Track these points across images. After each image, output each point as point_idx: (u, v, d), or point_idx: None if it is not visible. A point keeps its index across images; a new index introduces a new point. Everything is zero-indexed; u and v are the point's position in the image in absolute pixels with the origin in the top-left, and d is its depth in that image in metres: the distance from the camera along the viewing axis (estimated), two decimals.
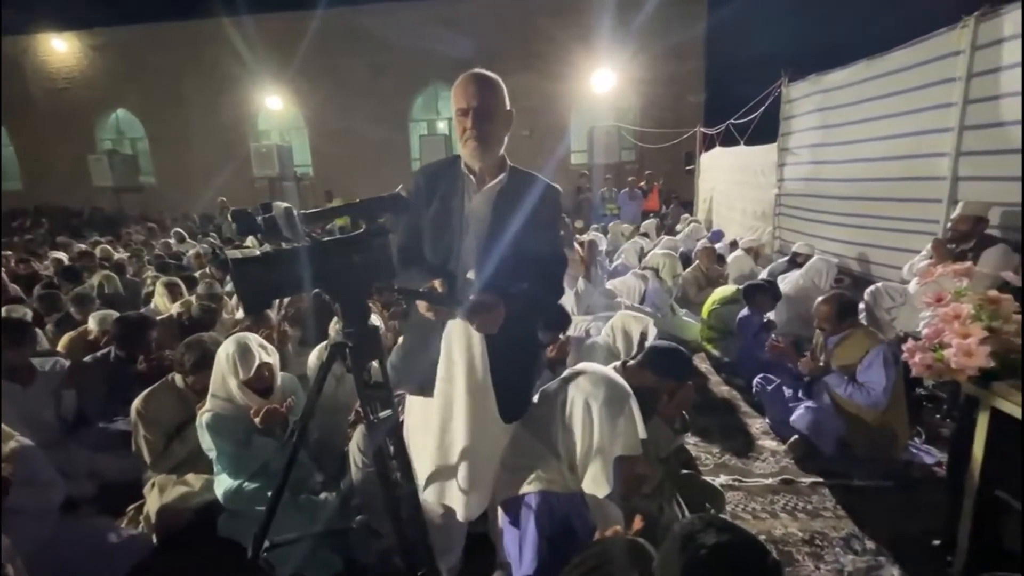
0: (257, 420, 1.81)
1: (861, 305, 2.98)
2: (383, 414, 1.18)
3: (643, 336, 2.72)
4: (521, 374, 1.44)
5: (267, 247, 1.13)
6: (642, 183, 9.88)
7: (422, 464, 1.43)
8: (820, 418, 2.45)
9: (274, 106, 13.13)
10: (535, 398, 1.52)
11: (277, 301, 3.33)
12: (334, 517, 1.77)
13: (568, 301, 3.27)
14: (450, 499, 1.42)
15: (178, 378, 2.06)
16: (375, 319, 2.49)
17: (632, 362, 1.94)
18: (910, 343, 1.63)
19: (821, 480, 2.30)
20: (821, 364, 2.57)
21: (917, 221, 3.63)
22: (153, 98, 13.50)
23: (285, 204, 0.99)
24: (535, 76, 11.64)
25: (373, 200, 1.09)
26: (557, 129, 12.09)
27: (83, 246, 7.03)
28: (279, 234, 1.01)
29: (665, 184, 10.37)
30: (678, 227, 7.91)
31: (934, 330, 1.60)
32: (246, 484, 1.82)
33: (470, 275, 1.34)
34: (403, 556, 1.23)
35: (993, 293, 1.59)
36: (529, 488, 1.31)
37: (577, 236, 5.38)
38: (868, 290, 3.19)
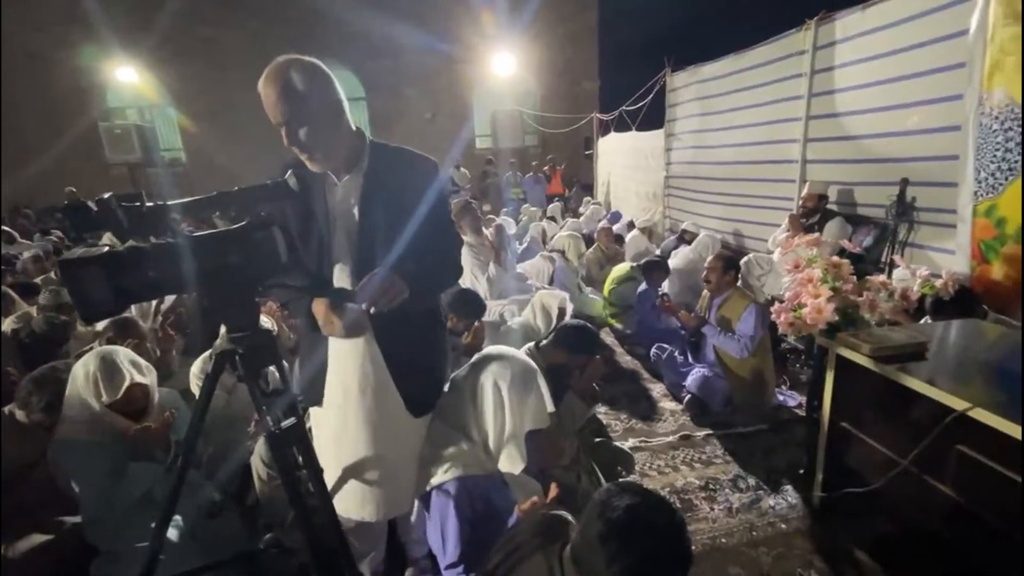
0: (131, 444, 1.57)
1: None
2: (287, 422, 1.07)
3: (561, 311, 2.81)
4: (425, 362, 1.37)
5: (132, 244, 0.95)
6: (545, 167, 10.14)
7: (331, 468, 1.34)
8: (709, 380, 2.76)
9: (127, 78, 11.19)
10: (446, 387, 1.49)
11: (153, 306, 2.91)
12: (240, 539, 1.61)
13: (481, 287, 3.26)
14: (364, 501, 1.35)
15: (19, 412, 1.70)
16: (267, 320, 2.27)
17: (544, 342, 2.00)
18: (776, 305, 1.87)
19: (712, 432, 2.58)
20: (700, 317, 2.89)
21: (777, 199, 4.17)
22: None
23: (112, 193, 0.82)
24: (434, 57, 11.30)
25: (253, 188, 0.97)
26: (460, 112, 11.90)
27: None
28: (142, 229, 0.86)
29: (567, 168, 10.74)
30: (581, 209, 8.26)
31: (794, 293, 1.86)
32: (125, 519, 1.57)
33: (342, 272, 1.25)
34: (321, 570, 1.15)
35: (835, 259, 1.87)
36: (446, 476, 1.30)
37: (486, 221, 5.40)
38: (742, 260, 3.61)
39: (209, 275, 0.91)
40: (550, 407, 1.39)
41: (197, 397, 1.09)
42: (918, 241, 2.94)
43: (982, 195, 2.34)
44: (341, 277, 1.26)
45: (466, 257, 3.28)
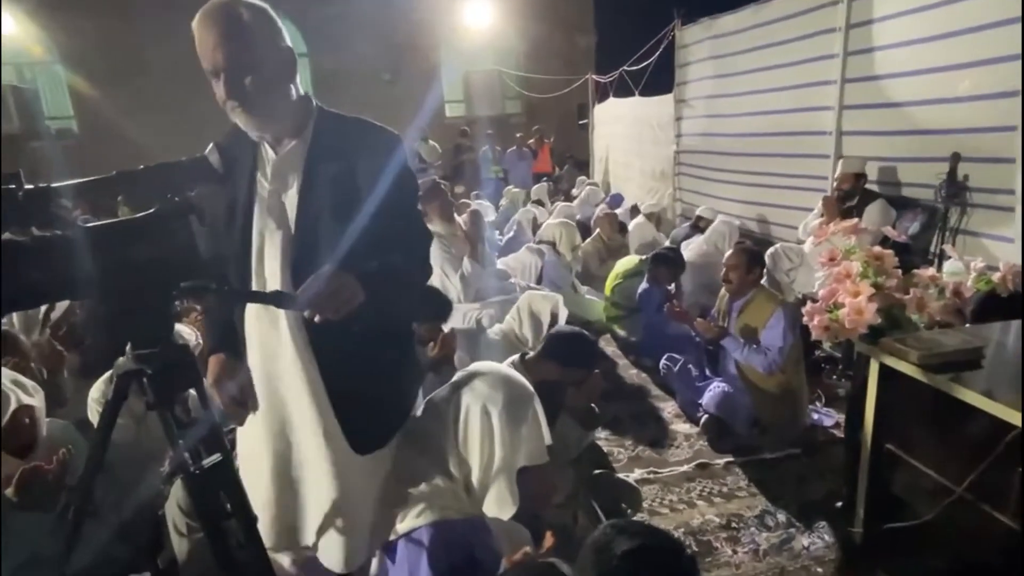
0: (10, 491, 1.52)
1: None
2: (209, 460, 1.05)
3: (554, 317, 2.82)
4: (378, 389, 1.34)
5: (7, 237, 0.92)
6: (531, 140, 10.18)
7: (264, 515, 1.32)
8: (730, 397, 2.79)
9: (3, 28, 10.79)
10: (419, 410, 1.48)
11: (41, 315, 2.82)
12: None
13: (453, 287, 3.25)
14: (303, 556, 1.34)
15: None
16: (187, 333, 2.23)
17: (532, 354, 2.00)
18: (809, 305, 1.91)
19: (734, 459, 2.63)
20: (719, 327, 2.92)
21: (808, 178, 4.26)
22: None
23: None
24: (392, 4, 11.21)
25: (165, 166, 0.94)
26: (426, 73, 11.85)
27: None
28: (19, 218, 0.83)
29: (557, 141, 10.81)
30: (574, 191, 8.31)
31: (829, 290, 1.90)
32: None
33: (273, 270, 1.22)
34: None
35: (877, 249, 1.92)
36: (418, 521, 1.29)
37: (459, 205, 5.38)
38: (768, 252, 3.67)
39: (109, 276, 0.88)
40: (547, 438, 1.39)
41: (95, 429, 1.06)
42: (972, 227, 3.04)
43: None
44: (273, 276, 1.24)
45: (434, 251, 3.26)
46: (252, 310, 1.27)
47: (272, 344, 1.27)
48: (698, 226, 5.14)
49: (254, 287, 1.25)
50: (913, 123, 3.37)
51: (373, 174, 1.22)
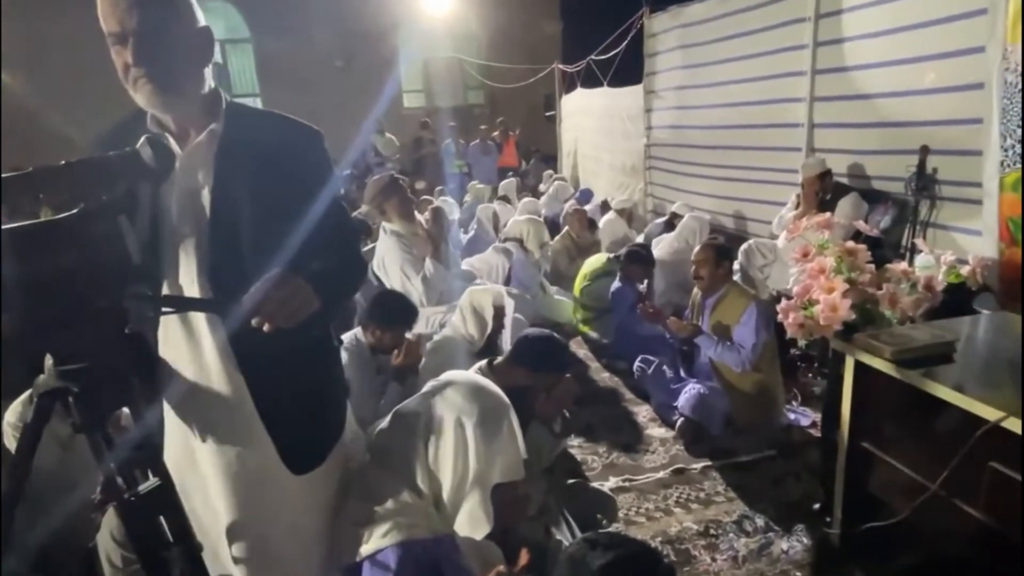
0: None
1: (736, 265, 3.52)
2: (147, 485, 1.01)
3: (498, 310, 2.82)
4: (310, 401, 1.32)
5: None
6: (496, 133, 10.20)
7: (207, 542, 1.29)
8: (706, 398, 2.86)
9: None
10: (385, 422, 1.47)
11: None
12: None
13: (415, 290, 3.23)
14: None
15: None
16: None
17: (500, 360, 2.00)
18: (783, 303, 1.97)
19: (711, 463, 2.69)
20: (693, 325, 2.98)
21: (780, 171, 4.40)
22: None
23: None
24: None
25: (91, 161, 0.90)
26: (382, 60, 11.73)
27: None
28: None
29: (522, 134, 10.87)
30: (541, 187, 8.37)
31: (803, 287, 1.96)
32: None
33: (190, 278, 1.18)
34: None
35: (850, 244, 1.99)
36: (385, 541, 1.28)
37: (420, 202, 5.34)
38: (741, 248, 3.78)
39: (27, 284, 0.84)
40: (523, 452, 1.40)
41: (13, 455, 1.01)
42: (941, 221, 3.19)
43: (1009, 165, 2.56)
44: (189, 284, 1.19)
45: (394, 251, 3.24)
46: (169, 322, 1.23)
47: (195, 359, 1.23)
48: (673, 223, 5.23)
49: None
50: (883, 115, 3.51)
51: (293, 171, 1.21)
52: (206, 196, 1.17)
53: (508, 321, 2.91)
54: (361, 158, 9.32)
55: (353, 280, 1.37)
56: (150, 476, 1.03)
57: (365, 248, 4.15)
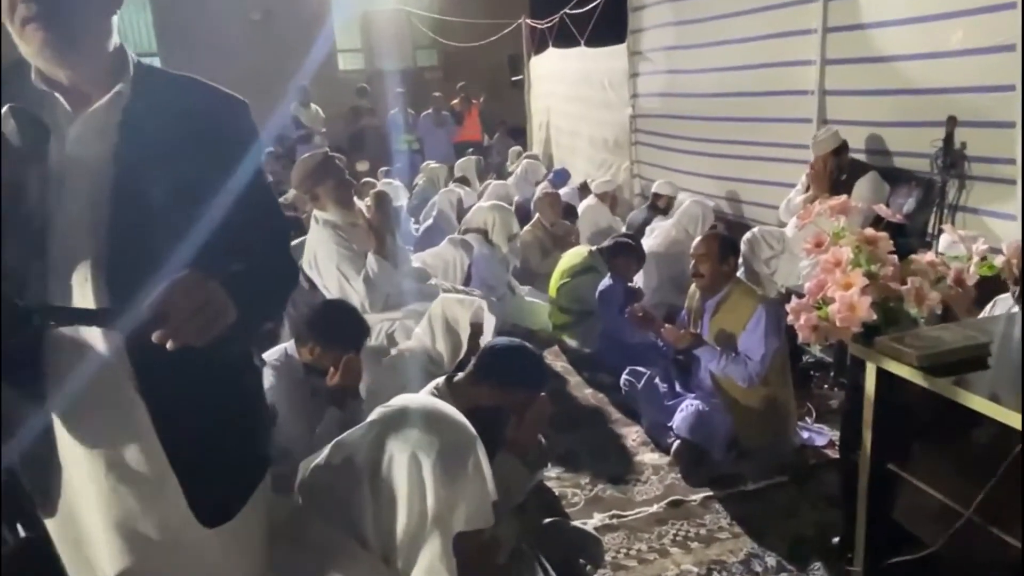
0: None
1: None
2: (17, 542, 0.99)
3: (475, 327, 2.81)
4: (229, 438, 1.29)
5: None
6: (455, 101, 10.16)
7: None
8: (706, 416, 2.89)
9: None
10: (321, 457, 1.45)
11: None
12: None
13: (356, 293, 3.19)
14: None
15: None
16: None
17: (460, 376, 1.99)
18: (794, 302, 2.01)
19: (712, 493, 2.73)
20: (691, 332, 3.01)
21: (789, 147, 4.50)
22: None
23: None
24: None
25: None
26: (310, 13, 11.55)
27: None
28: None
29: (486, 103, 10.85)
30: (509, 166, 8.38)
31: (817, 283, 2.00)
32: None
33: (83, 279, 1.14)
34: None
35: (869, 232, 2.04)
36: None
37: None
38: (744, 238, 3.84)
39: None
40: (493, 493, 1.40)
41: None
42: (971, 203, 3.30)
43: None
44: (81, 288, 1.14)
45: (328, 246, 3.19)
46: (55, 337, 1.17)
47: (87, 380, 1.16)
48: (656, 206, 5.29)
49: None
50: (905, 81, 3.62)
51: (215, 148, 1.19)
52: (106, 174, 1.13)
53: (485, 341, 2.91)
54: (284, 134, 9.17)
55: (282, 288, 1.36)
56: (20, 531, 1.00)
57: (294, 243, 4.09)
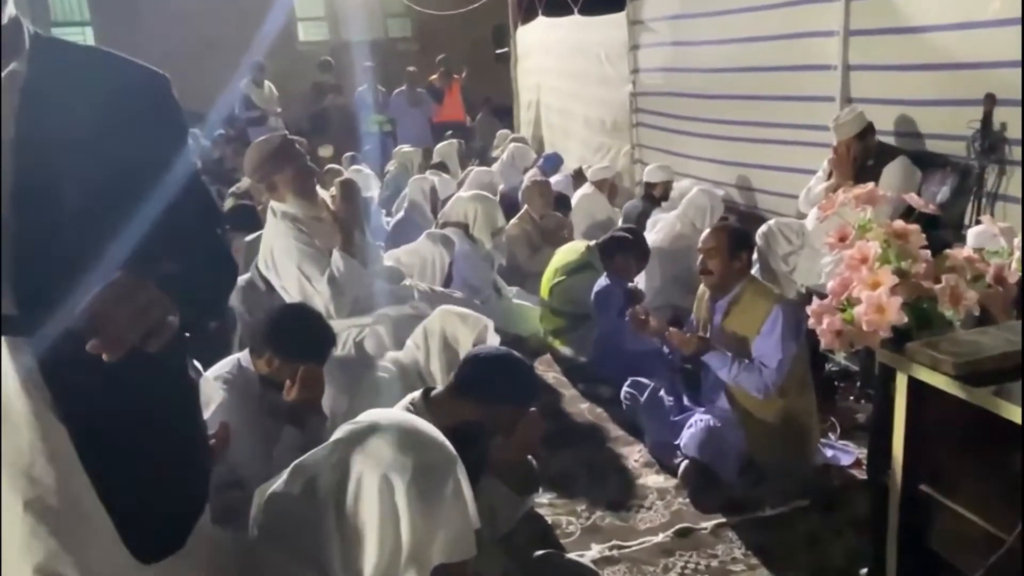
0: None
1: (753, 254, 3.59)
2: None
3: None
4: (168, 462, 1.29)
5: None
6: (434, 76, 10.13)
7: None
8: (717, 433, 2.90)
9: None
10: (279, 483, 1.45)
11: None
12: None
13: (320, 296, 3.17)
14: None
15: None
16: None
17: (439, 390, 1.99)
18: (815, 304, 2.02)
19: (724, 519, 2.73)
20: (700, 337, 3.01)
21: (809, 128, 4.52)
22: None
23: None
24: None
25: None
26: None
27: None
28: None
29: (468, 78, 10.84)
30: (493, 151, 8.37)
31: (841, 282, 2.01)
32: None
33: None
34: None
35: (899, 224, 2.06)
36: None
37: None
38: (759, 232, 3.85)
39: None
40: (475, 521, 1.40)
41: None
42: (1012, 192, 3.33)
43: None
44: None
45: (287, 241, 3.17)
46: None
47: None
48: (652, 195, 5.29)
49: None
50: (938, 54, 3.64)
51: (130, 131, 1.18)
52: (4, 163, 1.12)
53: None
54: (236, 114, 9.10)
55: (220, 288, 1.36)
56: None
57: (248, 238, 4.06)
